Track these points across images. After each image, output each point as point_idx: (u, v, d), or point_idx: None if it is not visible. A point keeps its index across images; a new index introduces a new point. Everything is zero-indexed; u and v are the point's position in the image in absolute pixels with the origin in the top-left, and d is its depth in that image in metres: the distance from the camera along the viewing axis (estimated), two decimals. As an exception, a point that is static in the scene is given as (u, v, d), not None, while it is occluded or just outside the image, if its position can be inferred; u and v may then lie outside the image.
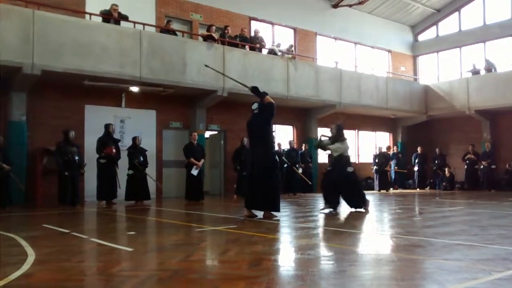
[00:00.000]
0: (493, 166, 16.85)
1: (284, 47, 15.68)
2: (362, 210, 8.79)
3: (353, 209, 8.89)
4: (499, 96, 16.72)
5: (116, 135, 12.14)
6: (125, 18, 12.05)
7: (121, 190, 11.35)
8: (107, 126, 11.26)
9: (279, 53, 15.10)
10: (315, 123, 16.93)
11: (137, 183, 11.47)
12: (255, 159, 7.60)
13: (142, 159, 11.64)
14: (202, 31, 14.34)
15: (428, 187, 18.48)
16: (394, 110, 18.32)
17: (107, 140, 11.10)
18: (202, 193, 12.23)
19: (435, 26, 21.44)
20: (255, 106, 7.85)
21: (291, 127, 17.00)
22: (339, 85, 16.15)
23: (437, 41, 21.32)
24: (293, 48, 16.31)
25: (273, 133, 9.02)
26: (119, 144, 11.53)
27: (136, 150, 11.63)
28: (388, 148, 17.91)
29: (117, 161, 11.25)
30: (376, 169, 17.11)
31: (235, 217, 8.04)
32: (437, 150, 18.41)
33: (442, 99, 18.68)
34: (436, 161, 18.31)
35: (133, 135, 11.97)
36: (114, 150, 11.09)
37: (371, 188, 17.73)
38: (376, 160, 17.12)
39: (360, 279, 3.43)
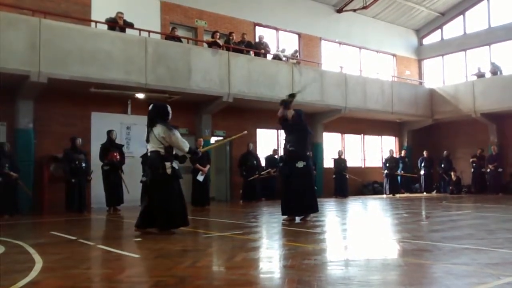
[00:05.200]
0: (500, 169, 16.73)
1: (288, 52, 15.71)
2: None
3: None
4: (505, 99, 16.63)
5: (122, 142, 12.23)
6: (131, 25, 12.13)
7: (132, 196, 11.42)
8: (109, 133, 11.35)
9: (284, 58, 15.13)
10: (321, 128, 16.90)
11: None
12: (296, 166, 7.83)
13: None
14: (207, 38, 14.41)
15: (435, 191, 18.39)
16: (399, 114, 18.26)
17: (110, 147, 11.19)
18: (208, 199, 12.24)
19: (439, 30, 21.40)
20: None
21: (296, 132, 16.96)
22: (344, 89, 16.14)
23: (442, 44, 21.27)
24: (297, 53, 16.34)
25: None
26: (123, 149, 11.63)
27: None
28: (392, 152, 17.83)
29: (121, 167, 11.31)
30: (386, 173, 17.03)
31: (241, 222, 8.04)
32: (444, 153, 18.33)
33: (447, 102, 18.61)
34: (442, 165, 18.23)
35: (139, 142, 12.09)
36: (118, 157, 11.16)
37: (378, 192, 17.68)
38: (387, 164, 17.07)
39: (367, 284, 3.41)
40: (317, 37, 18.34)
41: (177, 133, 6.42)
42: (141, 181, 11.64)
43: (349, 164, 17.07)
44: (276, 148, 15.40)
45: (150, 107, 6.61)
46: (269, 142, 16.05)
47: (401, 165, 18.06)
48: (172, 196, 6.33)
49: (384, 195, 16.69)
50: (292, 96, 8.27)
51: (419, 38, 22.03)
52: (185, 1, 14.84)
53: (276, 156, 14.90)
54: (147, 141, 6.51)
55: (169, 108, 6.62)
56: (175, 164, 6.45)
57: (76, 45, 10.80)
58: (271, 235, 6.59)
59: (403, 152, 19.02)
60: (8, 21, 10.05)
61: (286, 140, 8.18)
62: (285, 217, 7.90)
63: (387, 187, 17.00)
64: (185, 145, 6.46)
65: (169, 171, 6.29)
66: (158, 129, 6.36)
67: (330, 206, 12.07)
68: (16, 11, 10.81)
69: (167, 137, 6.33)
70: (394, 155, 17.70)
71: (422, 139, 19.89)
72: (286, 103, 8.08)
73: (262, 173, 14.25)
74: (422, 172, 18.44)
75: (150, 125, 6.46)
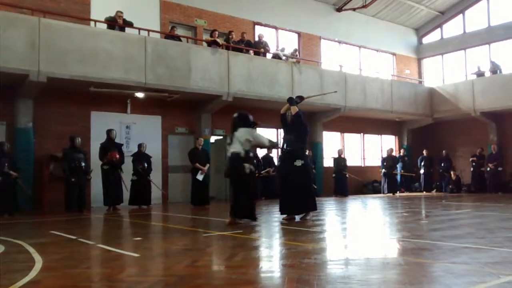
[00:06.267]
0: (500, 168, 16.75)
1: (288, 51, 15.70)
2: None
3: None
4: (505, 98, 16.62)
5: (122, 141, 12.24)
6: (130, 24, 12.12)
7: (126, 195, 11.47)
8: (108, 132, 11.36)
9: (284, 58, 15.12)
10: (321, 127, 16.91)
11: (140, 188, 11.66)
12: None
13: (146, 165, 11.84)
14: (207, 37, 14.40)
15: (435, 190, 18.39)
16: (399, 113, 18.26)
17: (109, 146, 11.20)
18: (207, 198, 12.23)
19: (439, 29, 21.39)
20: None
21: (296, 131, 16.96)
22: (344, 88, 16.12)
23: (441, 43, 21.27)
24: (297, 52, 16.33)
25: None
26: (123, 148, 11.67)
27: (140, 157, 11.84)
28: (391, 150, 17.86)
29: (121, 166, 11.32)
30: (384, 172, 17.04)
31: (241, 221, 8.03)
32: (443, 152, 18.33)
33: (447, 101, 18.61)
34: (442, 164, 18.23)
35: (138, 141, 12.23)
36: (117, 156, 11.17)
37: (378, 191, 17.68)
38: (385, 163, 17.07)
39: (367, 283, 3.41)
40: (316, 36, 18.33)
41: (257, 132, 7.48)
42: (131, 180, 11.71)
43: (349, 163, 17.07)
44: (272, 147, 15.36)
45: (235, 114, 7.59)
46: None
47: (400, 164, 18.07)
48: (245, 192, 7.22)
49: (382, 194, 16.69)
50: (300, 98, 8.31)
51: (418, 37, 22.02)
52: (185, 0, 14.83)
53: (271, 155, 14.92)
54: (229, 144, 7.42)
55: (250, 116, 7.57)
56: (252, 166, 7.31)
57: (76, 44, 10.79)
58: (271, 234, 6.59)
59: (401, 151, 19.02)
60: (8, 20, 10.04)
61: (284, 138, 8.18)
62: (284, 216, 7.90)
63: (385, 186, 17.01)
64: (266, 140, 7.55)
65: (247, 171, 7.17)
66: (241, 132, 7.28)
67: (330, 205, 12.07)
68: (16, 10, 10.80)
69: (250, 137, 7.27)
70: (393, 154, 17.65)
71: (422, 138, 19.90)
72: (293, 101, 8.11)
73: (262, 172, 14.25)
74: (421, 171, 18.45)
75: (233, 130, 7.40)
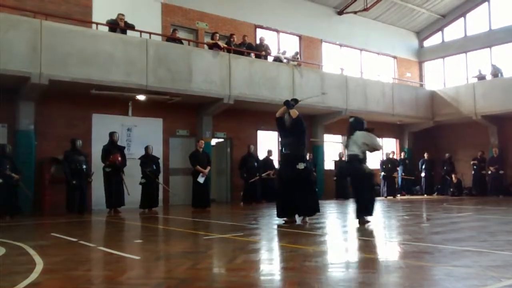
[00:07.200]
0: (501, 172, 16.73)
1: (289, 54, 15.72)
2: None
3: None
4: (506, 101, 16.61)
5: (123, 144, 12.24)
6: (132, 27, 12.14)
7: (132, 198, 11.44)
8: (111, 135, 11.35)
9: (285, 61, 15.14)
10: (322, 130, 16.90)
11: (150, 191, 11.65)
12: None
13: (154, 167, 11.83)
14: (208, 40, 14.43)
15: (436, 193, 18.37)
16: (400, 116, 18.25)
17: (112, 148, 11.20)
18: (208, 201, 12.23)
19: (440, 32, 21.40)
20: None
21: (297, 134, 16.94)
22: (345, 91, 16.14)
23: (442, 46, 21.28)
24: (298, 55, 16.34)
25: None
26: (125, 151, 11.66)
27: (148, 159, 11.82)
28: (392, 153, 17.83)
29: (123, 169, 11.32)
30: (383, 175, 17.02)
31: (242, 224, 8.04)
32: (446, 155, 18.29)
33: (448, 104, 18.61)
34: (445, 167, 18.21)
35: (140, 143, 12.25)
36: (119, 158, 11.17)
37: (379, 194, 17.65)
38: (384, 166, 17.05)
39: (368, 286, 3.41)
40: (318, 39, 18.34)
41: (374, 136, 7.95)
42: (140, 183, 11.70)
43: (350, 166, 17.02)
44: (270, 149, 15.29)
45: (351, 119, 8.15)
46: (270, 144, 16.03)
47: (401, 167, 18.05)
48: (367, 189, 7.76)
49: (383, 197, 16.67)
50: (295, 101, 8.32)
51: (420, 40, 22.04)
52: (186, 3, 14.87)
53: (271, 157, 14.92)
54: (346, 146, 7.95)
55: (364, 120, 8.10)
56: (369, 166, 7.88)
57: (77, 46, 10.81)
58: (272, 237, 6.59)
59: (402, 154, 19.00)
60: (10, 22, 10.06)
61: (282, 142, 8.16)
62: (284, 219, 7.89)
63: (384, 189, 17.00)
64: (380, 144, 8.10)
65: (368, 170, 7.76)
66: (358, 136, 7.74)
67: (331, 208, 12.06)
68: (18, 12, 10.82)
69: (367, 141, 7.71)
70: (391, 157, 17.60)
71: (423, 141, 19.88)
72: (289, 104, 8.10)
73: (263, 175, 14.25)
74: (423, 174, 18.43)
75: (350, 134, 7.85)
